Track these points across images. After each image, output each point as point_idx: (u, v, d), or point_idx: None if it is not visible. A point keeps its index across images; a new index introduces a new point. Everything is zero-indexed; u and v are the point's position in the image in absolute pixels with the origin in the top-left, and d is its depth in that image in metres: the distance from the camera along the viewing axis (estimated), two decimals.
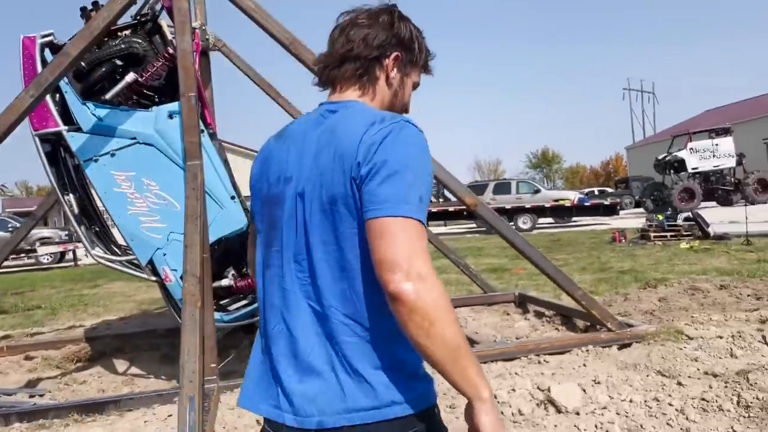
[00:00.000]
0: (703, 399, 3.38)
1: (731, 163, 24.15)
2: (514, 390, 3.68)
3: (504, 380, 3.92)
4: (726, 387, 3.53)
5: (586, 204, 21.41)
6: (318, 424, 1.15)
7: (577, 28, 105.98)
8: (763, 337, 4.26)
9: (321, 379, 1.16)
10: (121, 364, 5.53)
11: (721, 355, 4.08)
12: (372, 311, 1.16)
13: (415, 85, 1.41)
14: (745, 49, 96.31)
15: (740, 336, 4.35)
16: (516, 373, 4.06)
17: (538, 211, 21.54)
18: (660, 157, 25.39)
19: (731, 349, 4.11)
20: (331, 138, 1.19)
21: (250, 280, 4.84)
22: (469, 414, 1.13)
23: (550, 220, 23.58)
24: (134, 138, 4.34)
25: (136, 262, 4.50)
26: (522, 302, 6.66)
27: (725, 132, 24.71)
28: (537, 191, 23.50)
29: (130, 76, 4.37)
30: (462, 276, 7.71)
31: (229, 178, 4.51)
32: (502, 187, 24.43)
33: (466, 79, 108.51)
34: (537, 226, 22.18)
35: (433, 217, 23.81)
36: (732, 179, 24.81)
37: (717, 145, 24.17)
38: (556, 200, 22.19)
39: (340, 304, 1.17)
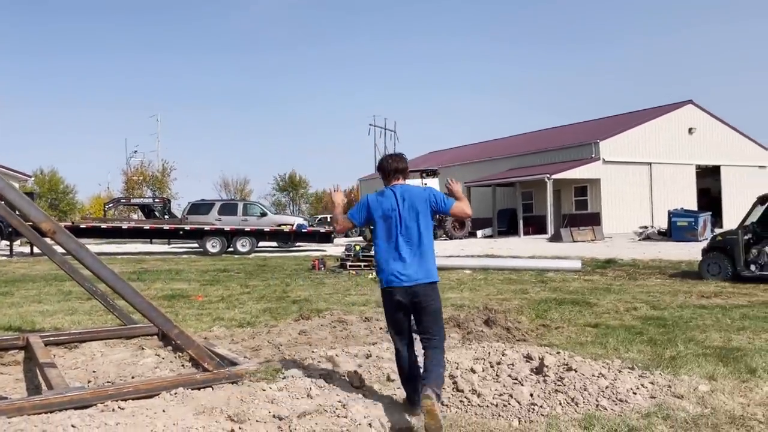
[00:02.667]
0: None
1: None
2: None
3: None
4: (279, 431, 3.54)
5: (304, 231, 22.04)
6: (413, 282, 3.83)
7: (330, 63, 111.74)
8: (348, 373, 4.46)
9: (414, 267, 3.84)
10: None
11: (299, 395, 4.13)
12: (427, 248, 3.91)
13: None
14: (470, 102, 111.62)
15: (328, 375, 4.50)
16: (72, 426, 3.59)
17: (258, 235, 21.50)
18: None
19: (311, 389, 4.20)
20: (409, 195, 3.94)
21: None
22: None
23: (274, 243, 23.77)
24: None
25: None
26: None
27: (433, 173, 27.83)
28: (264, 214, 23.57)
29: None
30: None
31: None
32: (228, 208, 23.99)
33: (222, 92, 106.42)
34: (258, 249, 22.12)
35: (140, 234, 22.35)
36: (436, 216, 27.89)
37: (426, 184, 26.99)
38: (279, 225, 22.45)
39: (419, 244, 3.88)
